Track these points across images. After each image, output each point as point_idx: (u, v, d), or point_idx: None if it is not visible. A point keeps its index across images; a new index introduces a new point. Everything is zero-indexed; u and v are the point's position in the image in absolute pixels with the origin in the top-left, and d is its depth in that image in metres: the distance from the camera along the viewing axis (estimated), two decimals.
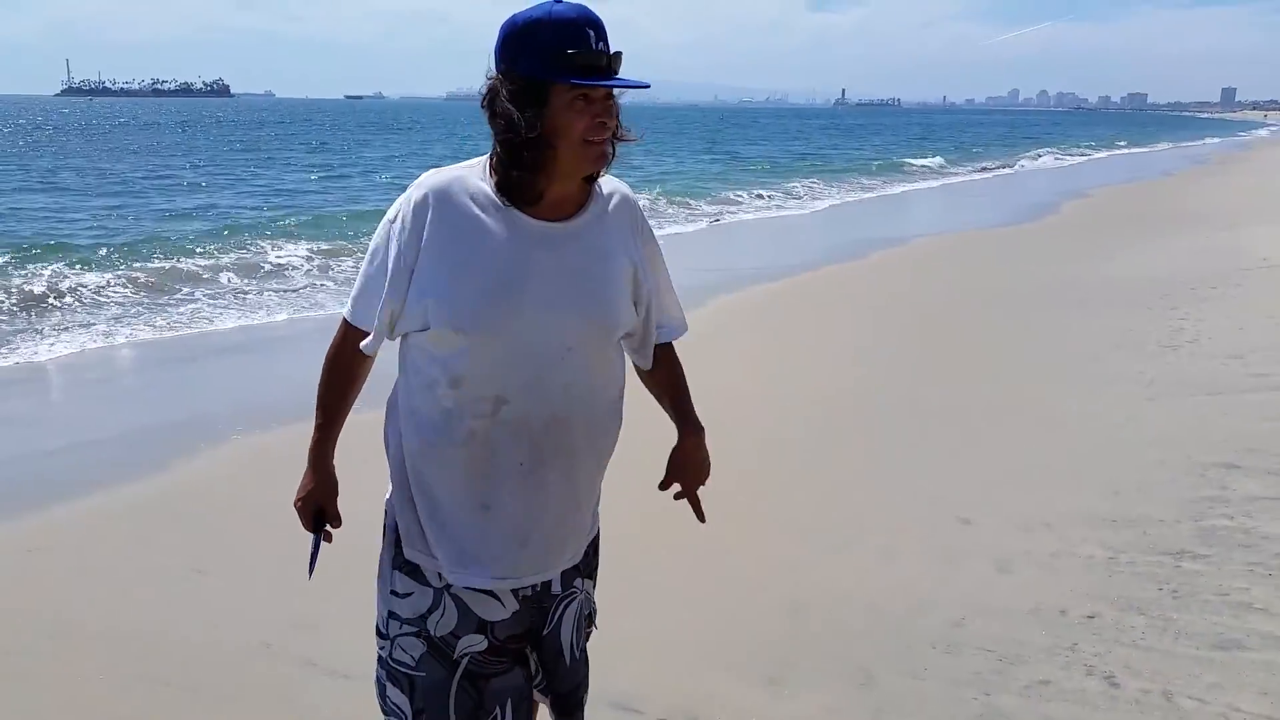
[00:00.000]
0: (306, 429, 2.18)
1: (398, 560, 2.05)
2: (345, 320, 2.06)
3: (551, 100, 1.83)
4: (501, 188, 1.90)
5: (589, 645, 2.28)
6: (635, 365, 2.22)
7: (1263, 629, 3.61)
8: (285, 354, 8.62)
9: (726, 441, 5.67)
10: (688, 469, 2.27)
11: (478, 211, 1.89)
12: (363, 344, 2.01)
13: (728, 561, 4.26)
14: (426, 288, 1.89)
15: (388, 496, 2.09)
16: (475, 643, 2.01)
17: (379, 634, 2.09)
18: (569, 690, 2.19)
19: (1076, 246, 14.02)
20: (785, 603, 3.91)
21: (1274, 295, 9.68)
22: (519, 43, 1.84)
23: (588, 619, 2.25)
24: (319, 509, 2.17)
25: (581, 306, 1.95)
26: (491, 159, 1.93)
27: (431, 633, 2.00)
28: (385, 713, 2.07)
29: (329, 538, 2.19)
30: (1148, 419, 6.13)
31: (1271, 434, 5.68)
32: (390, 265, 1.92)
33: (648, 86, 1.88)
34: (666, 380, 2.27)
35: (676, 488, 2.28)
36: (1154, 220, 16.97)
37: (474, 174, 1.94)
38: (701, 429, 2.26)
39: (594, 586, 2.26)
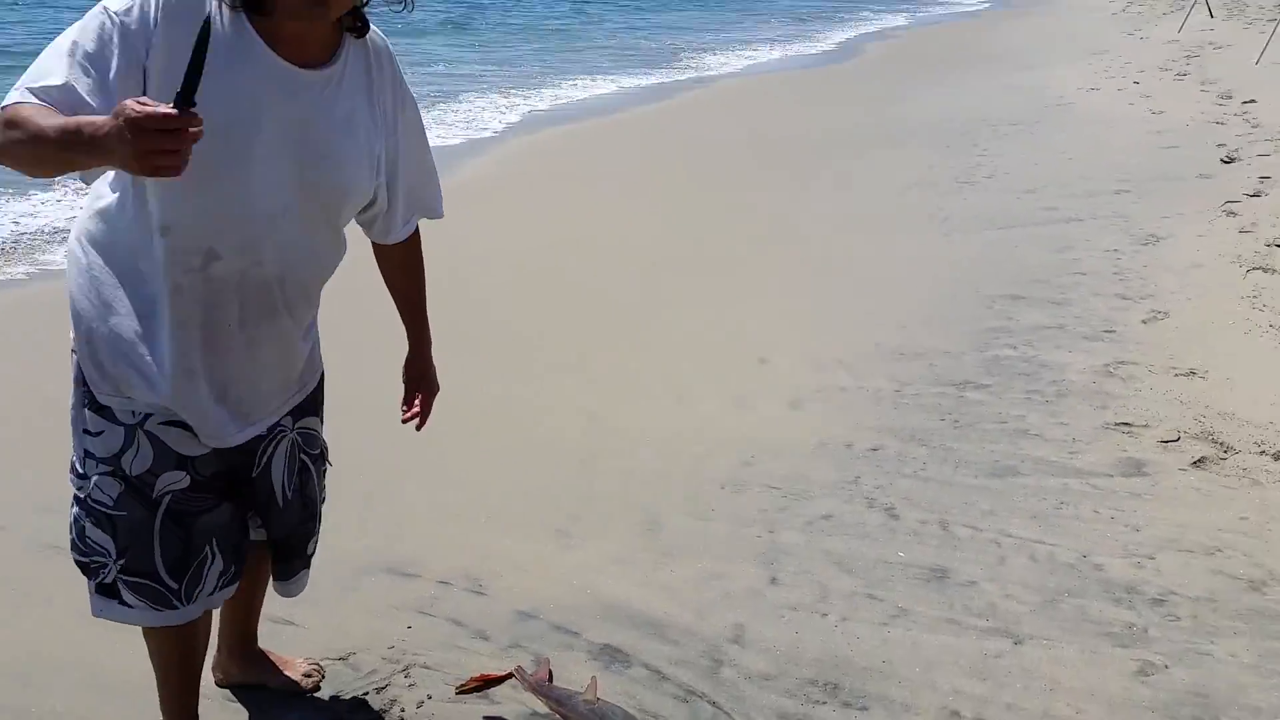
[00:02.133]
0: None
1: (87, 399, 1.88)
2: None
3: None
4: None
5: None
6: (373, 244, 2.12)
7: (1035, 454, 3.72)
8: None
9: (520, 291, 5.52)
10: (427, 381, 2.26)
11: (219, 28, 1.64)
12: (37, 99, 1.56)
13: (518, 418, 4.10)
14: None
15: (72, 338, 1.90)
16: (176, 480, 1.87)
17: (75, 473, 1.92)
18: (285, 535, 2.11)
19: (881, 88, 14.08)
20: (576, 455, 3.79)
21: (1069, 133, 9.99)
22: None
23: (318, 458, 2.13)
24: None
25: (310, 164, 1.78)
26: None
27: (127, 472, 1.85)
28: (85, 553, 1.93)
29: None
30: (941, 254, 6.23)
31: (1056, 265, 5.87)
32: (108, 59, 1.58)
33: None
34: (407, 272, 2.17)
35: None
36: (959, 61, 17.22)
37: None
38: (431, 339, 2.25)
39: (320, 423, 2.13)
